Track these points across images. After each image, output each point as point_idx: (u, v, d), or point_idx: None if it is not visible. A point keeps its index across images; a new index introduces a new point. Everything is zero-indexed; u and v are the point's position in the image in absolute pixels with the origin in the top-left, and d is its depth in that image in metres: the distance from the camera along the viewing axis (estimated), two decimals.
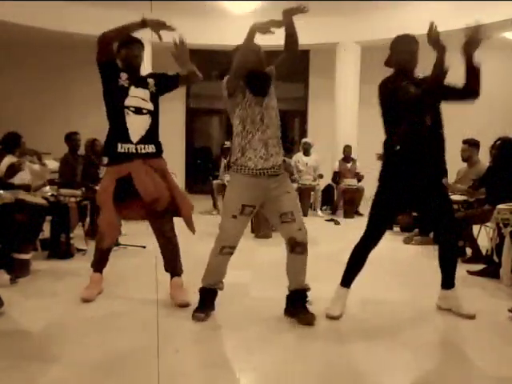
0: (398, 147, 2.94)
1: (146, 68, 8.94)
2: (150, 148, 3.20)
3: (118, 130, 3.17)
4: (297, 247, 2.90)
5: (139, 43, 3.28)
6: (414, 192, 3.00)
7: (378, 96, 3.02)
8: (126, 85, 3.17)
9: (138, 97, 3.17)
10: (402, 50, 2.95)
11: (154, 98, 3.26)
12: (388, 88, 2.95)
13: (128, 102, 3.15)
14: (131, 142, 3.14)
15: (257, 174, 2.85)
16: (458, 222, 3.22)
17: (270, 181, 2.88)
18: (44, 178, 4.94)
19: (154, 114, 3.25)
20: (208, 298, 3.03)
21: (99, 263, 3.39)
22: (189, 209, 3.34)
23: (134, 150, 3.14)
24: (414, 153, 2.93)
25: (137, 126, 3.16)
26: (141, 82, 3.24)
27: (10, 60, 10.42)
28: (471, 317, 3.01)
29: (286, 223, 2.90)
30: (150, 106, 3.22)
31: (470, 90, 2.88)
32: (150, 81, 3.27)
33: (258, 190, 2.88)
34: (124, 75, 3.19)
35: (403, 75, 2.93)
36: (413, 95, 2.80)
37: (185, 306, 3.09)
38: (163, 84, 3.31)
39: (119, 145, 3.14)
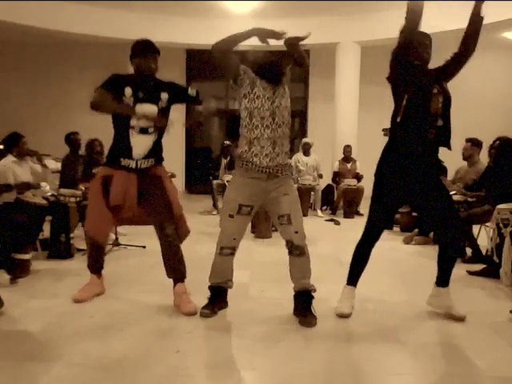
0: (399, 119, 2.93)
1: None
2: (150, 162, 3.17)
3: (122, 148, 3.12)
4: (294, 250, 2.92)
5: (156, 53, 3.12)
6: (412, 183, 2.96)
7: (391, 64, 3.00)
8: (131, 103, 3.06)
9: (143, 114, 3.06)
10: (416, 44, 2.95)
11: (163, 113, 3.15)
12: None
13: (133, 121, 3.07)
14: (133, 159, 3.13)
15: (259, 171, 2.85)
16: (461, 221, 3.18)
17: (268, 182, 2.88)
18: (45, 180, 4.94)
19: (160, 129, 3.17)
20: (216, 295, 3.07)
21: (93, 264, 3.37)
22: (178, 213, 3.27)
23: (133, 166, 3.14)
24: (414, 129, 2.90)
25: (140, 145, 3.12)
26: (150, 96, 3.10)
27: (9, 60, 10.43)
28: (461, 319, 2.98)
29: (282, 225, 2.92)
30: (155, 113, 3.12)
31: (468, 44, 2.94)
32: (164, 96, 3.14)
33: (256, 190, 2.89)
34: (128, 91, 3.05)
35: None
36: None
37: (191, 315, 3.02)
38: (177, 99, 3.20)
39: (121, 159, 3.13)
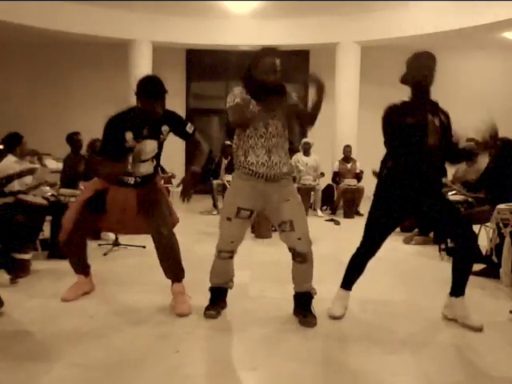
0: (391, 163, 2.94)
1: (145, 68, 8.99)
2: (148, 172, 3.21)
3: None
4: (297, 257, 2.88)
5: (164, 95, 2.99)
6: (412, 204, 2.97)
7: (384, 119, 2.97)
8: (133, 143, 3.05)
9: (142, 151, 3.09)
10: (420, 65, 2.89)
11: (162, 143, 3.19)
12: (397, 113, 2.92)
13: (131, 156, 3.08)
14: (132, 176, 3.15)
15: (257, 177, 2.81)
16: (471, 225, 3.09)
17: (267, 186, 2.83)
18: (43, 180, 4.94)
19: (158, 155, 3.22)
20: (217, 296, 3.07)
21: (76, 266, 3.36)
22: (173, 222, 3.30)
23: (132, 182, 3.16)
24: (409, 171, 2.91)
25: (140, 169, 3.15)
26: (152, 132, 3.08)
27: (9, 60, 10.43)
28: (478, 329, 2.87)
29: (285, 232, 2.87)
30: (156, 152, 3.17)
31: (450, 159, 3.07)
32: (165, 129, 3.11)
33: (255, 194, 2.84)
34: (129, 135, 3.02)
35: (420, 93, 2.90)
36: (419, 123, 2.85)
37: (184, 315, 3.01)
38: (175, 132, 3.17)
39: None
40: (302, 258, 2.86)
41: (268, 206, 2.90)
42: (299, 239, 2.84)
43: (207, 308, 3.02)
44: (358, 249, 3.06)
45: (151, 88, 2.95)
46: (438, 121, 2.92)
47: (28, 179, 4.50)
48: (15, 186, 4.30)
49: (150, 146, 3.12)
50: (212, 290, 3.09)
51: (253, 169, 2.81)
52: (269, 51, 2.79)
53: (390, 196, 2.96)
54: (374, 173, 3.25)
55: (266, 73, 2.73)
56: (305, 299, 2.96)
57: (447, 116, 3.01)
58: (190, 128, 3.14)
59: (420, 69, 2.90)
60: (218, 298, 3.07)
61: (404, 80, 2.97)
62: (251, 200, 2.85)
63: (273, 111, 2.82)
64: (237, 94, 2.79)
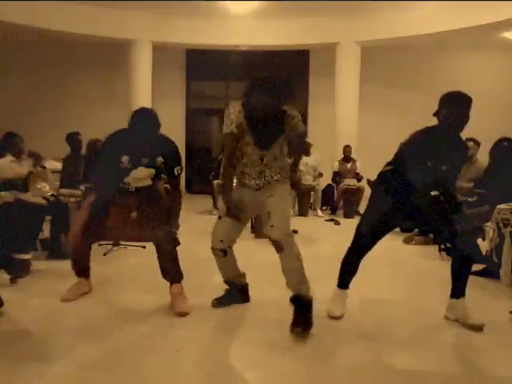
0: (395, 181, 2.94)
1: (145, 68, 8.99)
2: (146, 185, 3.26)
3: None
4: (273, 245, 2.84)
5: (152, 134, 3.08)
6: (408, 213, 2.98)
7: (406, 149, 2.94)
8: (129, 166, 3.11)
9: (138, 178, 3.17)
10: (455, 109, 2.80)
11: (158, 169, 3.26)
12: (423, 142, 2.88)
13: (127, 179, 3.16)
14: (130, 185, 3.21)
15: (249, 188, 2.95)
16: (469, 233, 3.05)
17: (257, 192, 2.94)
18: (45, 180, 4.93)
19: (155, 175, 3.27)
20: (229, 289, 3.21)
21: (78, 269, 3.35)
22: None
23: (133, 190, 3.21)
24: (410, 189, 2.90)
25: (138, 182, 3.22)
26: (150, 161, 3.17)
27: (9, 60, 10.43)
28: (478, 328, 2.87)
29: (264, 222, 2.93)
30: (153, 174, 3.23)
31: None
32: (159, 160, 3.18)
33: (246, 197, 2.97)
34: (125, 158, 3.08)
35: (446, 133, 2.87)
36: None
37: (183, 315, 3.02)
38: (165, 167, 3.24)
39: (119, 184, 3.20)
40: (277, 245, 2.79)
41: (256, 209, 3.00)
42: (272, 226, 2.80)
43: (214, 298, 3.15)
44: (349, 249, 3.08)
45: (140, 127, 2.98)
46: (447, 166, 2.91)
47: (24, 170, 4.49)
48: (7, 174, 4.29)
49: (146, 172, 3.18)
50: (225, 282, 3.21)
51: (245, 182, 2.96)
52: (258, 85, 2.71)
53: (386, 206, 2.95)
54: (369, 182, 3.24)
55: (254, 109, 2.74)
56: (298, 304, 2.84)
57: (461, 157, 3.02)
58: (177, 171, 3.21)
59: (453, 112, 2.80)
60: (229, 291, 3.20)
61: (438, 119, 2.89)
62: (242, 202, 2.97)
63: (265, 147, 2.85)
64: (233, 119, 2.80)
